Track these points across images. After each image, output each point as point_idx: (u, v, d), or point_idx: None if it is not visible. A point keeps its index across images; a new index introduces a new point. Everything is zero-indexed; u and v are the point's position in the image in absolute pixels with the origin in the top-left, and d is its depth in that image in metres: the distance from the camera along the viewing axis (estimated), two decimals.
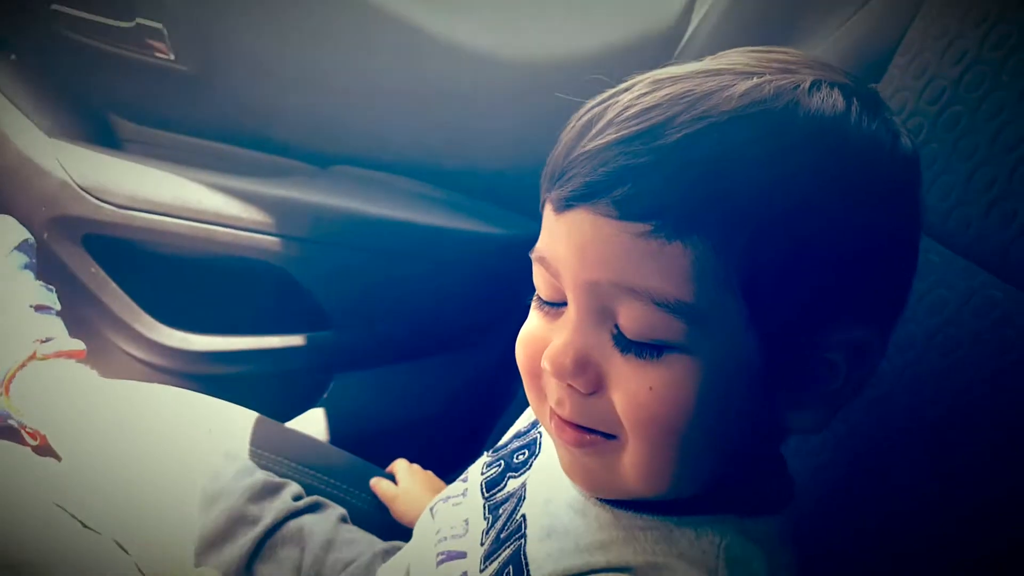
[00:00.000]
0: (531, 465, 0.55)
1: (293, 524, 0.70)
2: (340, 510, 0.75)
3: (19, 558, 0.68)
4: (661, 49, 0.95)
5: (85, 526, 0.73)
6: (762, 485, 0.47)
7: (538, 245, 0.44)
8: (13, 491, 0.74)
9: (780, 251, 0.38)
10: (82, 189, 0.96)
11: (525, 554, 0.48)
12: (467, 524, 0.55)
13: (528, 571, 0.46)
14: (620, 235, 0.38)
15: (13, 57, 1.01)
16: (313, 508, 0.73)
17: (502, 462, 0.58)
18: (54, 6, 0.99)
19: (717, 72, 0.40)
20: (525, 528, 0.49)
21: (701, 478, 0.43)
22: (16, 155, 0.97)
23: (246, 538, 0.68)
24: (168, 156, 1.03)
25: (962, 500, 0.49)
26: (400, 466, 0.87)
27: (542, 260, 0.44)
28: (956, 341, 0.51)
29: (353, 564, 0.67)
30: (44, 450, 0.81)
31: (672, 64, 0.43)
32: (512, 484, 0.55)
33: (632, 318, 0.39)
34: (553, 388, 0.44)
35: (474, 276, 1.05)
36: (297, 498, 0.74)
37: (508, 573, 0.47)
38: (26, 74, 1.01)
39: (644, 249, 0.38)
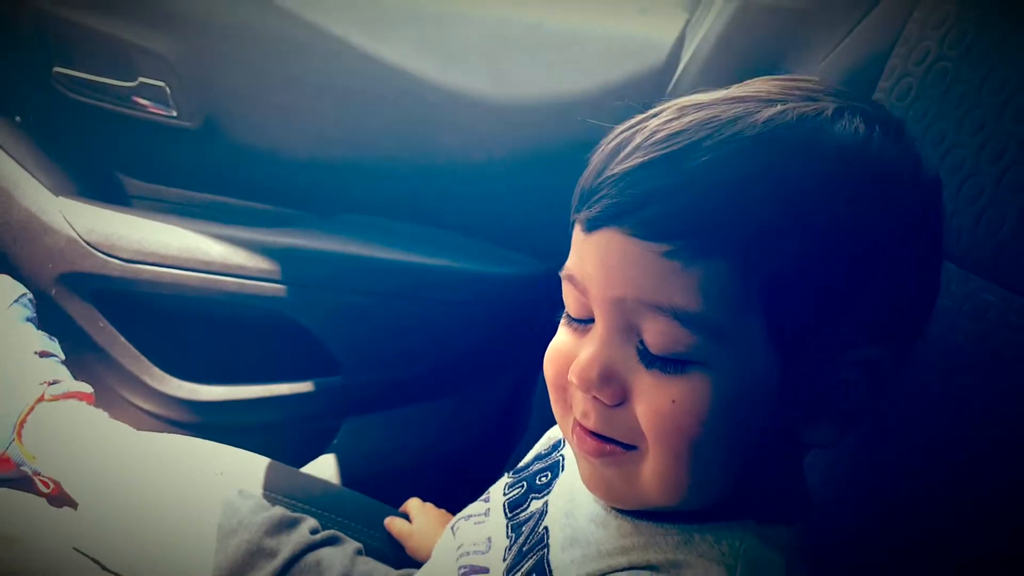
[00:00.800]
0: (553, 486, 0.56)
1: (311, 557, 0.70)
2: (356, 544, 0.76)
3: None
4: (654, 86, 0.98)
5: (104, 568, 0.73)
6: (779, 496, 0.48)
7: (568, 264, 0.46)
8: (31, 537, 0.75)
9: (800, 271, 0.40)
10: (89, 244, 0.98)
11: (548, 562, 0.49)
12: (489, 542, 0.56)
13: None
14: (645, 254, 0.40)
15: (18, 119, 1.04)
16: (330, 541, 0.74)
17: (524, 483, 0.59)
18: (56, 68, 1.02)
19: (742, 99, 0.42)
20: (547, 539, 0.51)
21: (718, 488, 0.45)
22: (23, 213, 0.98)
23: (264, 571, 0.68)
24: (175, 210, 1.05)
25: (969, 503, 0.50)
26: (413, 505, 0.88)
27: (571, 278, 0.45)
28: (955, 345, 0.53)
29: None
30: (58, 499, 0.82)
31: (698, 92, 0.45)
32: (535, 504, 0.56)
33: (656, 333, 0.41)
34: (579, 400, 0.45)
35: (479, 315, 1.07)
36: (314, 532, 0.74)
37: None
38: (31, 135, 1.03)
39: (668, 268, 0.40)
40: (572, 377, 0.44)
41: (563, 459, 0.59)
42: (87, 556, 0.74)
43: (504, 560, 0.53)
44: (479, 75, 1.02)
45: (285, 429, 1.08)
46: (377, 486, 0.91)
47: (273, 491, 0.82)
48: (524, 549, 0.52)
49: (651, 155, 0.40)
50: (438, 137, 1.05)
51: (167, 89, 1.00)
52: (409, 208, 1.10)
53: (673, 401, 0.41)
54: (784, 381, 0.42)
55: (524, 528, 0.54)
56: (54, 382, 0.87)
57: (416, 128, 1.04)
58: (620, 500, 0.47)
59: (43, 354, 0.91)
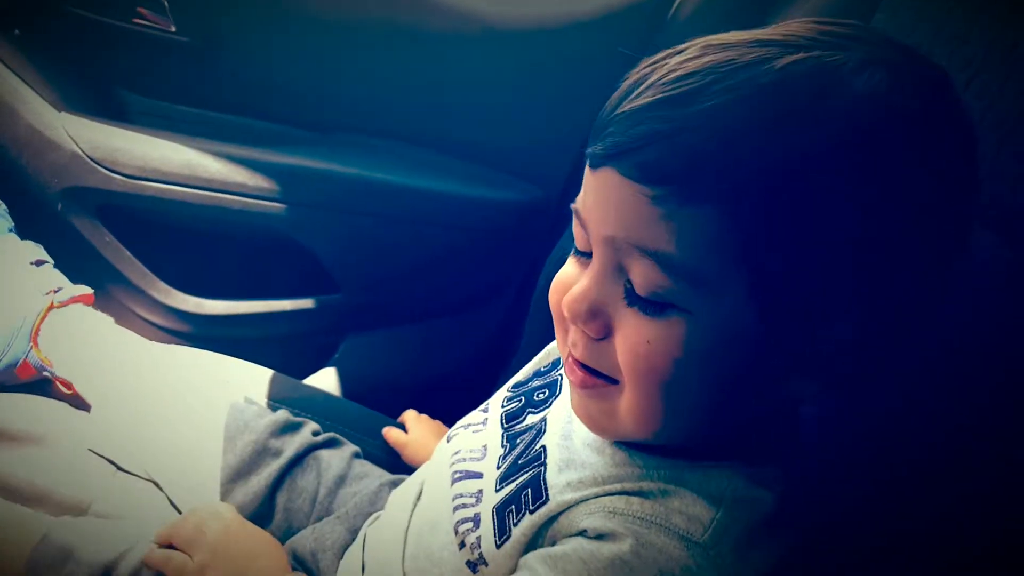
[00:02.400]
0: (551, 404, 0.59)
1: (311, 456, 0.75)
2: (354, 447, 0.80)
3: (61, 500, 0.73)
4: (655, 8, 0.97)
5: (119, 468, 0.78)
6: (769, 439, 0.49)
7: (578, 197, 0.46)
8: (54, 437, 0.79)
9: (790, 227, 0.39)
10: (93, 160, 0.99)
11: (545, 480, 0.51)
12: (485, 449, 0.58)
13: (547, 495, 0.49)
14: (636, 196, 0.40)
15: (17, 32, 1.02)
16: (331, 443, 0.78)
17: (523, 397, 0.61)
18: None
19: (768, 42, 0.40)
20: (545, 457, 0.52)
21: (694, 427, 0.46)
22: (26, 128, 0.99)
23: (270, 468, 0.73)
24: (175, 127, 1.05)
25: (957, 439, 0.51)
26: (410, 415, 0.91)
27: (577, 212, 0.46)
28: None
29: (361, 492, 0.71)
30: (75, 399, 0.85)
31: (732, 33, 0.42)
32: (531, 419, 0.58)
33: (641, 275, 0.42)
34: (572, 329, 0.47)
35: (477, 239, 1.08)
36: (316, 434, 0.78)
37: (526, 495, 0.51)
38: (32, 49, 1.02)
39: (655, 213, 0.40)
40: (564, 308, 0.46)
41: (561, 378, 0.60)
42: (102, 456, 0.78)
43: (498, 468, 0.55)
44: None
45: (287, 343, 1.11)
46: (376, 399, 0.95)
47: (276, 399, 0.86)
48: (520, 462, 0.54)
49: (658, 95, 0.40)
50: (439, 59, 1.04)
51: (165, 3, 0.99)
52: (409, 131, 1.10)
53: (648, 342, 0.42)
54: (766, 333, 0.41)
55: (520, 441, 0.56)
56: (58, 289, 0.90)
57: (417, 49, 1.03)
58: (601, 430, 0.49)
59: (38, 262, 0.93)
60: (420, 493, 0.62)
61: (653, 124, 0.40)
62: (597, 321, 0.45)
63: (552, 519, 0.49)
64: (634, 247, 0.42)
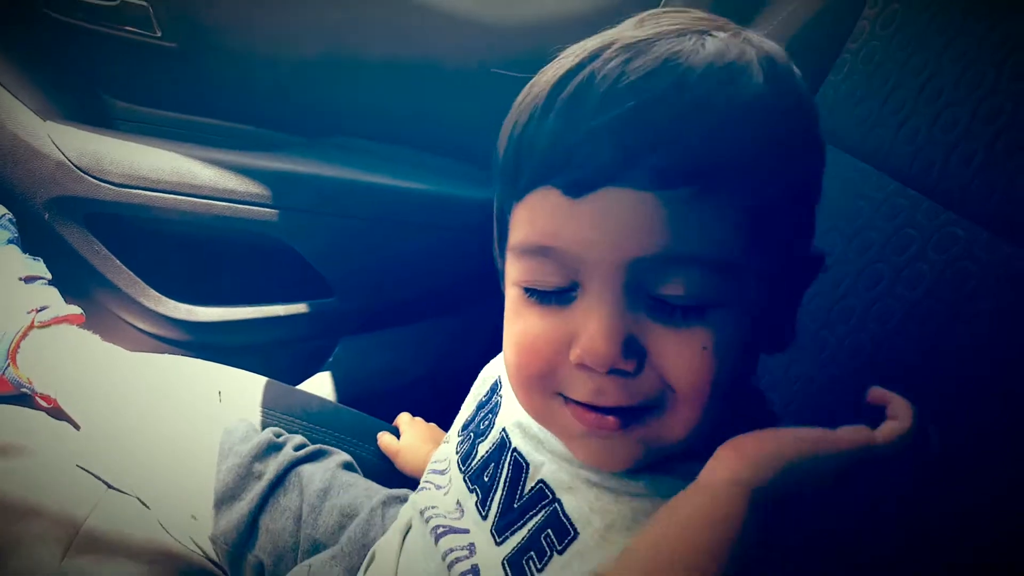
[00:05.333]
0: (494, 424, 0.56)
1: (293, 474, 0.73)
2: (344, 456, 0.78)
3: (55, 516, 0.72)
4: (645, 4, 0.96)
5: (109, 486, 0.77)
6: (752, 416, 0.49)
7: (531, 236, 0.42)
8: (37, 448, 0.78)
9: (782, 189, 0.41)
10: (79, 169, 0.97)
11: (565, 515, 0.47)
12: (459, 505, 0.55)
13: (575, 530, 0.46)
14: (660, 206, 0.38)
15: None
16: (315, 456, 0.76)
17: (471, 434, 0.59)
18: None
19: (677, 33, 0.41)
20: (553, 492, 0.49)
21: (724, 416, 0.45)
22: (10, 138, 0.97)
23: (252, 493, 0.71)
24: (163, 133, 1.04)
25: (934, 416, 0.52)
26: (403, 419, 0.90)
27: (548, 251, 0.42)
28: (920, 275, 0.55)
29: (352, 524, 0.69)
30: (57, 412, 0.84)
31: (606, 30, 0.44)
32: (482, 449, 0.56)
33: (680, 285, 0.40)
34: (584, 383, 0.42)
35: (469, 239, 1.07)
36: (300, 447, 0.77)
37: (547, 537, 0.47)
38: (13, 56, 1.01)
39: (686, 215, 0.38)
40: (585, 359, 0.41)
41: (501, 400, 0.58)
42: (91, 473, 0.77)
43: (484, 518, 0.52)
44: None
45: (281, 348, 1.10)
46: (372, 402, 0.94)
47: (270, 408, 0.85)
48: (517, 505, 0.50)
49: (639, 99, 0.38)
50: (429, 60, 1.03)
51: (150, 9, 0.98)
52: (400, 132, 1.10)
53: (704, 348, 0.40)
54: (769, 299, 0.43)
55: (488, 478, 0.53)
56: (42, 308, 0.89)
57: (406, 51, 1.03)
58: (630, 463, 0.45)
59: (28, 279, 0.92)
60: (403, 544, 0.60)
61: (653, 127, 0.38)
62: (635, 355, 0.41)
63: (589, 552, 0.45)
64: (669, 259, 0.39)
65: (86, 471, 0.77)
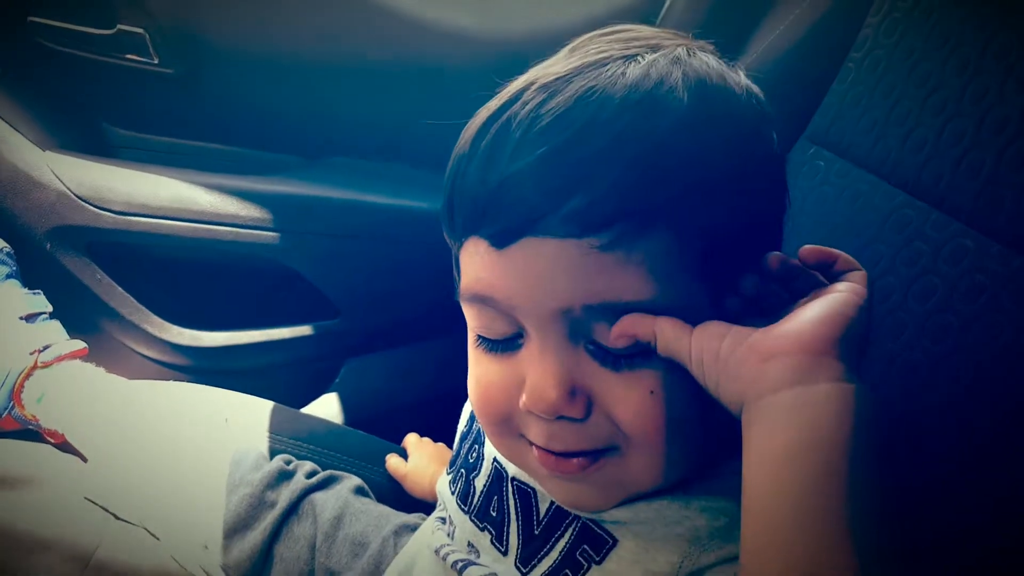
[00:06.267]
0: (483, 455, 0.55)
1: (306, 502, 0.73)
2: (355, 481, 0.78)
3: (65, 548, 0.71)
4: (639, 18, 0.96)
5: (117, 518, 0.76)
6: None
7: (471, 285, 0.41)
8: (44, 480, 0.77)
9: (724, 220, 0.39)
10: (80, 198, 0.98)
11: (600, 524, 0.46)
12: (472, 546, 0.54)
13: (613, 537, 0.45)
14: (583, 254, 0.37)
15: None
16: (326, 483, 0.76)
17: (462, 470, 0.58)
18: (31, 18, 0.99)
19: (599, 63, 0.39)
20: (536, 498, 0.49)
21: (704, 450, 0.44)
22: (10, 169, 0.97)
23: (265, 522, 0.71)
24: (161, 159, 1.05)
25: (944, 437, 0.52)
26: (411, 441, 0.90)
27: (486, 300, 0.41)
28: (931, 288, 0.54)
29: (365, 555, 0.69)
30: (65, 447, 0.84)
31: (535, 65, 0.43)
32: (478, 483, 0.55)
33: (614, 333, 0.38)
34: (537, 428, 0.42)
35: None
36: (312, 475, 0.76)
37: (583, 552, 0.46)
38: (10, 88, 1.01)
39: (611, 260, 0.37)
40: (531, 407, 0.40)
41: (480, 428, 0.58)
42: (98, 505, 0.77)
43: (504, 553, 0.50)
44: (463, 11, 1.00)
45: (286, 371, 1.10)
46: (378, 423, 0.94)
47: (278, 433, 0.85)
48: (538, 532, 0.49)
49: (551, 143, 0.36)
50: (425, 76, 1.03)
51: (146, 36, 0.98)
52: (401, 151, 1.10)
53: (652, 392, 0.39)
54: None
55: (496, 512, 0.52)
56: (45, 348, 0.88)
57: (402, 68, 1.03)
58: (605, 503, 0.45)
59: (29, 317, 0.92)
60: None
61: (567, 172, 0.36)
62: (578, 400, 0.40)
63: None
64: (596, 308, 0.38)
65: (93, 503, 0.77)
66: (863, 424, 0.33)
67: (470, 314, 0.44)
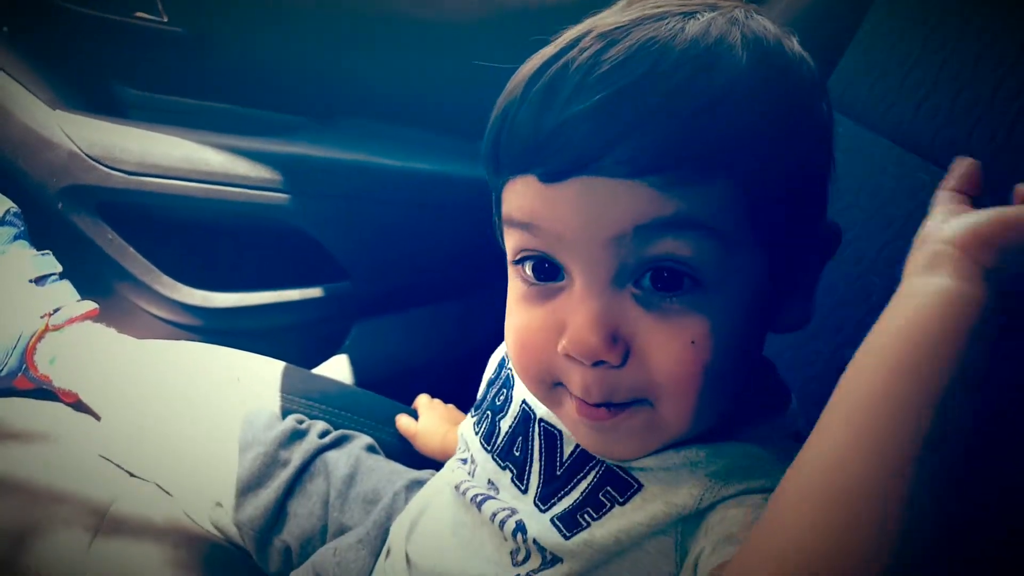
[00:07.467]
0: (512, 398, 0.56)
1: (319, 460, 0.74)
2: (366, 439, 0.79)
3: (81, 500, 0.73)
4: None
5: (131, 475, 0.78)
6: (767, 390, 0.49)
7: (516, 214, 0.42)
8: (60, 436, 0.79)
9: (775, 176, 0.40)
10: (91, 158, 0.97)
11: (625, 468, 0.46)
12: (492, 484, 0.54)
13: (639, 482, 0.45)
14: (637, 191, 0.38)
15: (5, 29, 1.01)
16: (339, 442, 0.77)
17: (488, 412, 0.58)
18: None
19: (658, 16, 0.40)
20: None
21: (733, 399, 0.44)
22: (21, 128, 0.97)
23: (279, 479, 0.72)
24: (172, 120, 1.04)
25: None
26: (422, 401, 0.91)
27: (530, 227, 0.42)
28: None
29: (376, 508, 0.70)
30: (80, 406, 0.86)
31: (592, 16, 0.43)
32: (504, 424, 0.55)
33: (664, 249, 0.39)
34: (575, 375, 0.42)
35: (486, 220, 1.06)
36: (324, 434, 0.78)
37: (607, 493, 0.46)
38: (21, 46, 1.00)
39: (664, 196, 0.38)
40: (571, 350, 0.41)
41: (512, 373, 0.58)
42: (113, 463, 0.79)
43: (524, 491, 0.51)
44: None
45: (296, 333, 1.10)
46: (388, 385, 0.95)
47: (290, 393, 0.85)
48: (560, 472, 0.49)
49: (609, 90, 0.37)
50: (440, 40, 1.02)
51: None
52: (413, 114, 1.09)
53: (693, 342, 0.40)
54: (771, 278, 0.42)
55: (520, 451, 0.53)
56: (56, 310, 0.89)
57: (418, 31, 1.02)
58: (636, 453, 0.45)
59: (39, 279, 0.92)
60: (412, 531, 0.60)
61: (624, 118, 0.37)
62: (617, 346, 0.40)
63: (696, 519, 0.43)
64: (652, 229, 0.38)
65: (108, 460, 0.79)
66: (955, 334, 0.32)
67: (512, 240, 0.44)
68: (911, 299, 0.34)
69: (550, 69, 0.40)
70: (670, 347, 0.40)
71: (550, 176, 0.40)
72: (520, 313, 0.45)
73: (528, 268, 0.44)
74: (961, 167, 0.42)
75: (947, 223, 0.36)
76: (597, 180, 0.38)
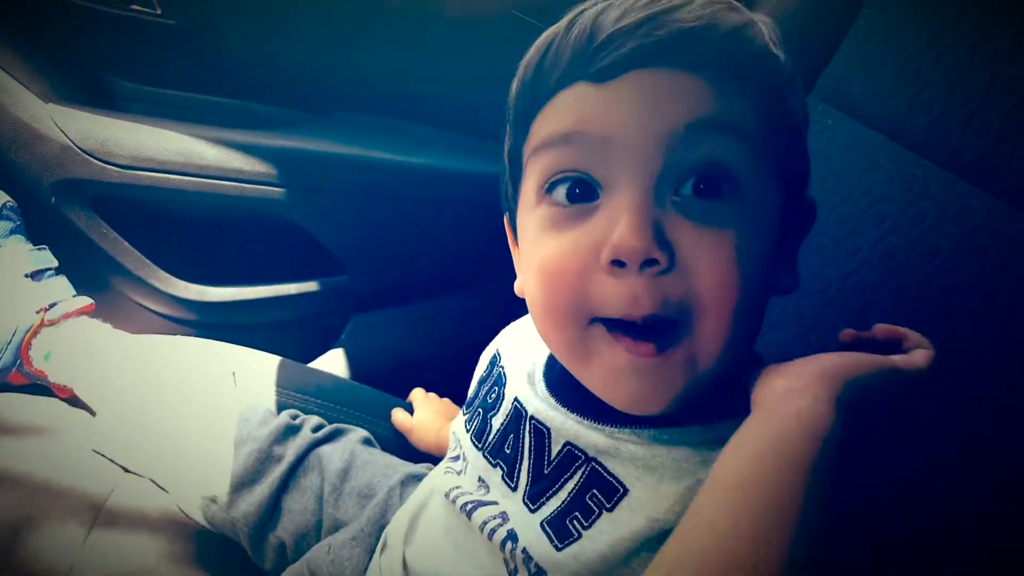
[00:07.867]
0: (504, 395, 0.56)
1: (313, 455, 0.75)
2: (362, 433, 0.79)
3: (79, 494, 0.73)
4: None
5: (126, 470, 0.78)
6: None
7: (560, 127, 0.43)
8: (55, 431, 0.79)
9: (787, 106, 0.45)
10: (84, 152, 0.97)
11: (611, 473, 0.46)
12: (482, 481, 0.55)
13: (624, 486, 0.45)
14: (693, 83, 0.41)
15: None
16: (333, 436, 0.77)
17: (479, 410, 0.59)
18: None
19: None
20: (583, 453, 0.48)
21: (753, 335, 0.46)
22: (13, 121, 0.96)
23: (273, 475, 0.72)
24: (167, 113, 1.03)
25: (946, 391, 0.53)
26: (417, 395, 0.91)
27: (576, 137, 0.43)
28: (936, 248, 0.55)
29: (371, 503, 0.70)
30: (74, 401, 0.85)
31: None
32: (496, 422, 0.56)
33: (708, 153, 0.41)
34: (622, 289, 0.41)
35: (483, 214, 1.07)
36: (318, 428, 0.78)
37: (593, 497, 0.46)
38: (12, 39, 0.99)
39: (716, 93, 0.41)
40: (619, 251, 0.40)
41: (503, 370, 0.59)
42: (107, 458, 0.78)
43: (513, 489, 0.51)
44: None
45: (292, 327, 1.10)
46: (384, 380, 0.95)
47: (285, 387, 0.86)
48: (548, 472, 0.50)
49: (656, 9, 0.42)
50: (436, 35, 1.02)
51: None
52: (410, 108, 1.09)
53: (736, 246, 0.41)
54: (781, 216, 0.45)
55: (510, 449, 0.53)
56: (51, 306, 0.89)
57: (415, 24, 1.02)
58: (668, 397, 0.44)
59: (34, 274, 0.92)
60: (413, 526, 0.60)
61: (674, 26, 0.41)
62: (664, 248, 0.41)
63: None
64: (700, 122, 0.41)
65: (102, 455, 0.79)
66: (814, 442, 0.38)
67: (543, 165, 0.45)
68: (774, 417, 0.40)
69: (592, 6, 0.44)
70: (713, 254, 0.41)
71: (606, 73, 0.41)
72: (548, 242, 0.44)
73: (561, 192, 0.44)
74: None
75: (805, 364, 0.42)
76: (654, 74, 0.41)
